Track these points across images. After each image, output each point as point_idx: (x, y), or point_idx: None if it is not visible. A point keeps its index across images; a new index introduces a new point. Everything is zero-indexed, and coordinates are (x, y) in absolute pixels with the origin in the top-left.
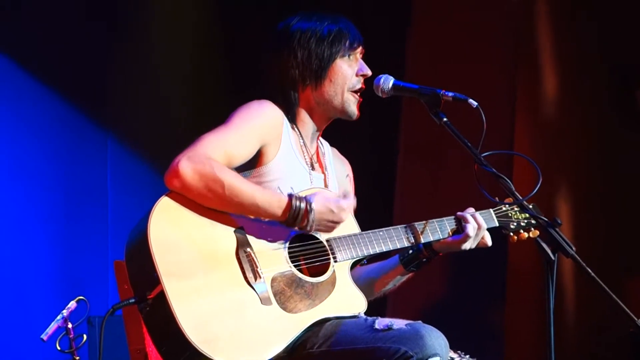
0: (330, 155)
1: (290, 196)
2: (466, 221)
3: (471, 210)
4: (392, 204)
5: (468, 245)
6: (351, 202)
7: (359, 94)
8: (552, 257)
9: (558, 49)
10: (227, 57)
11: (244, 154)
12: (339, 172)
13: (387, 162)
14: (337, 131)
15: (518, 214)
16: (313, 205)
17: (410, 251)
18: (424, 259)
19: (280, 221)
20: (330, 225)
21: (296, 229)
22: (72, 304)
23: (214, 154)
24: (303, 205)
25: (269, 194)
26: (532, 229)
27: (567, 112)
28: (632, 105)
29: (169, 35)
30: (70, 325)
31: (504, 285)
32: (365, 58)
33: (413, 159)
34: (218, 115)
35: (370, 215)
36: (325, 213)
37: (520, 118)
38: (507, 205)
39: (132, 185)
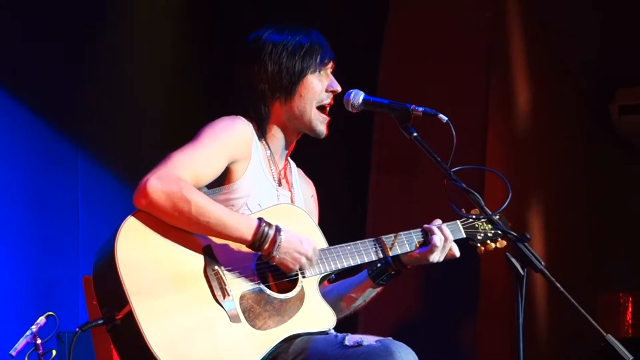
0: (297, 174)
1: (259, 220)
2: (432, 233)
3: (438, 222)
4: (365, 219)
5: (436, 257)
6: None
7: (327, 112)
8: (522, 272)
9: (531, 62)
10: (200, 74)
11: (212, 173)
12: (304, 191)
13: (360, 177)
14: (309, 146)
15: (485, 224)
16: (282, 233)
17: (379, 265)
18: (393, 272)
19: (246, 244)
20: (296, 256)
21: (260, 254)
22: (42, 320)
23: (183, 173)
24: (271, 231)
25: (237, 217)
26: (499, 239)
27: (540, 124)
28: (605, 117)
29: (141, 51)
30: (39, 341)
31: (476, 299)
32: (339, 68)
33: (385, 173)
34: (190, 132)
35: (343, 230)
36: (293, 242)
37: (493, 131)
38: (473, 217)
39: (102, 201)
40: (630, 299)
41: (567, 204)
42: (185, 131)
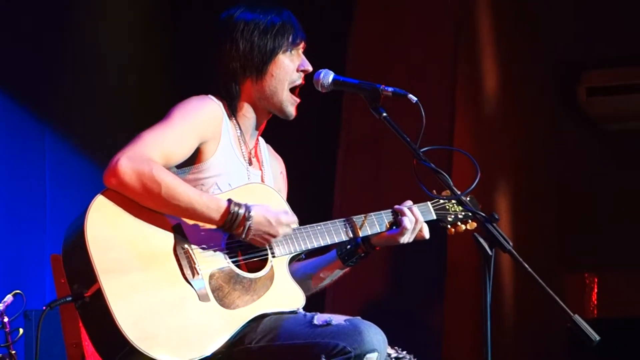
0: (266, 151)
1: (229, 201)
2: (403, 214)
3: (409, 203)
4: (332, 198)
5: (406, 239)
6: (293, 219)
7: (297, 94)
8: (490, 253)
9: (499, 44)
10: (168, 50)
11: (183, 153)
12: (274, 168)
13: (328, 156)
14: (277, 126)
15: (455, 206)
16: (252, 213)
17: (348, 246)
18: (362, 254)
19: (217, 226)
20: (266, 237)
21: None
22: (9, 298)
23: (153, 153)
24: (242, 211)
25: (207, 198)
26: (470, 221)
27: (508, 107)
28: (572, 99)
29: (108, 27)
30: (6, 319)
31: (442, 282)
32: (307, 50)
33: (353, 153)
34: (159, 109)
35: (310, 210)
36: (263, 224)
37: (461, 113)
38: (444, 199)
39: (70, 179)
40: (596, 280)
41: (534, 185)
42: (154, 106)
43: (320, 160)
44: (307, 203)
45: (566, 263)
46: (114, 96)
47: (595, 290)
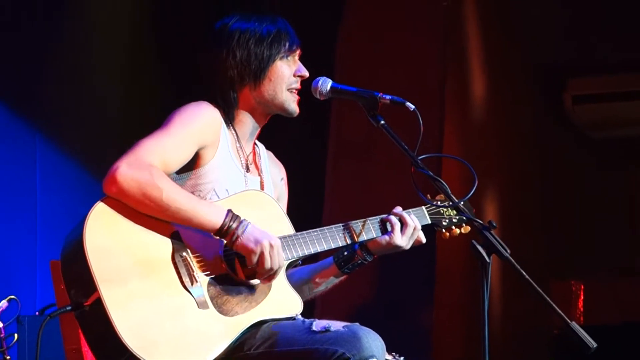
0: (266, 158)
1: (228, 212)
2: (404, 220)
3: (399, 209)
4: (321, 203)
5: (403, 243)
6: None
7: (297, 92)
8: (488, 260)
9: (486, 50)
10: (162, 57)
11: (182, 159)
12: (274, 175)
13: (317, 161)
14: (267, 130)
15: (449, 210)
16: (248, 228)
17: (346, 252)
18: (359, 261)
19: (212, 232)
20: (253, 247)
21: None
22: (3, 303)
23: (153, 160)
24: (234, 225)
25: (206, 205)
26: (464, 225)
27: (496, 113)
28: (558, 106)
29: (102, 33)
30: (0, 325)
31: (432, 285)
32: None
33: (342, 158)
34: (151, 115)
35: (299, 215)
36: (250, 241)
37: (449, 119)
38: (440, 205)
39: (61, 184)
40: (582, 287)
41: (521, 191)
42: (147, 112)
43: (309, 166)
44: (297, 209)
45: (552, 270)
46: (106, 102)
47: (582, 297)
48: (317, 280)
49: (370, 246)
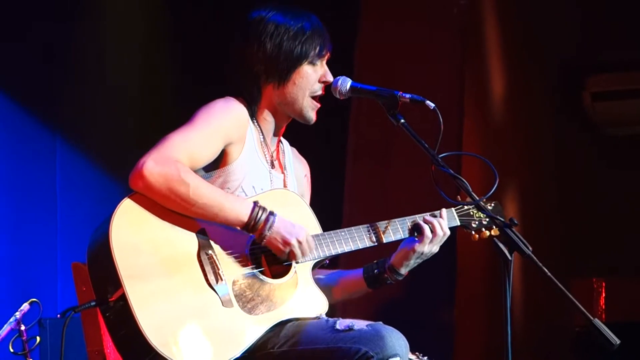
0: (290, 154)
1: (254, 204)
2: (428, 222)
3: (428, 216)
4: (341, 204)
5: (433, 248)
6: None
7: (318, 100)
8: (509, 257)
9: (505, 49)
10: (179, 58)
11: (209, 155)
12: (297, 171)
13: (336, 162)
14: (286, 133)
15: (479, 212)
16: (276, 218)
17: (375, 270)
18: (387, 280)
19: (240, 226)
20: (287, 238)
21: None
22: (25, 306)
23: (179, 155)
24: (264, 216)
25: (233, 199)
26: (494, 227)
27: (515, 111)
28: (577, 104)
29: (119, 34)
30: (23, 327)
31: (453, 285)
32: None
33: (362, 159)
34: (170, 115)
35: (320, 218)
36: (286, 226)
37: (469, 118)
38: (467, 204)
39: (81, 186)
40: (604, 284)
41: (540, 190)
42: (164, 114)
43: (327, 167)
44: (316, 210)
45: (574, 268)
46: (125, 103)
47: (603, 295)
48: (344, 289)
49: (395, 264)
